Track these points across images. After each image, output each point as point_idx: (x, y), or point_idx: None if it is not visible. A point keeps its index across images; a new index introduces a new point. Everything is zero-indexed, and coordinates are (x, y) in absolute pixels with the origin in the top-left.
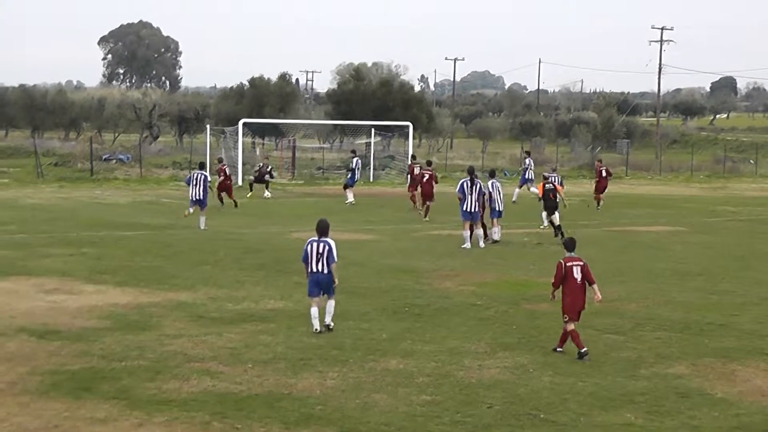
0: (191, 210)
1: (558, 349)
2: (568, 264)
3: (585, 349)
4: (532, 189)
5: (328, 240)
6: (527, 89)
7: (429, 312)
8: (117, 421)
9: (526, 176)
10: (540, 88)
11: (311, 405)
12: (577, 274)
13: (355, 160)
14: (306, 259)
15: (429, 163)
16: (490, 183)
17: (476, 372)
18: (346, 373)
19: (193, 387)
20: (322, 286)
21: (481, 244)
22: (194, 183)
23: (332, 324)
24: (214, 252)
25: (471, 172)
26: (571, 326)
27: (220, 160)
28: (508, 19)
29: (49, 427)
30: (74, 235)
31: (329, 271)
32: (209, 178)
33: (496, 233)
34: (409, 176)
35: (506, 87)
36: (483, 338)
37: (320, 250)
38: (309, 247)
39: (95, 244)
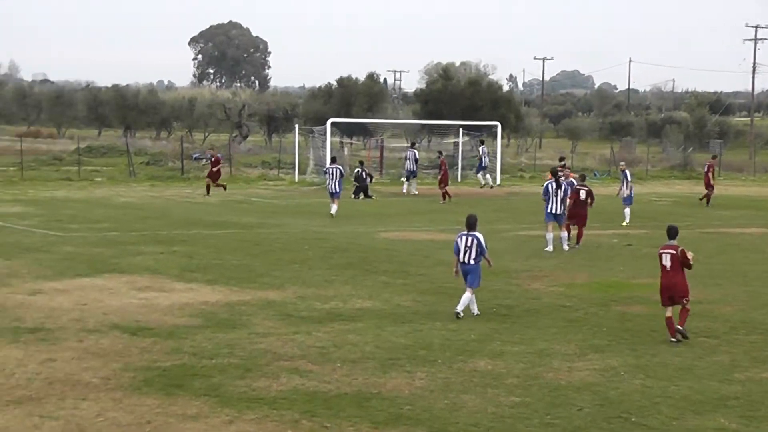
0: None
1: (671, 339)
2: (660, 251)
3: (675, 339)
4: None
5: (476, 234)
6: (617, 89)
7: (518, 313)
8: (208, 418)
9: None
10: (630, 87)
11: (400, 405)
12: (666, 261)
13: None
14: (457, 251)
15: (583, 178)
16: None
17: (566, 374)
18: (434, 374)
19: (282, 385)
20: (468, 276)
21: (565, 246)
22: (329, 175)
23: (461, 314)
24: (303, 251)
25: (555, 173)
26: (667, 312)
27: (212, 147)
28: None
29: (142, 423)
30: (165, 234)
31: (476, 263)
32: (343, 172)
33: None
34: (440, 171)
35: (596, 86)
36: (572, 340)
37: (468, 243)
38: (459, 240)
39: (186, 242)
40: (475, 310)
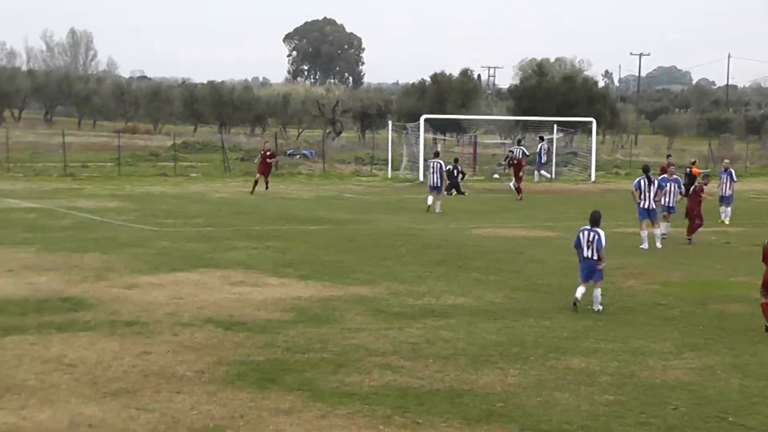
0: (430, 198)
1: None
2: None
3: None
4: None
5: (598, 230)
6: (715, 85)
7: (612, 310)
8: (301, 413)
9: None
10: (729, 83)
11: (492, 401)
12: None
13: (437, 163)
14: (578, 246)
15: (706, 177)
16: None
17: (661, 372)
18: (527, 371)
19: (374, 381)
20: (590, 271)
21: (658, 244)
22: (431, 170)
23: (600, 308)
24: (395, 247)
25: (646, 170)
26: (765, 299)
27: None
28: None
29: (235, 417)
30: (258, 229)
31: (598, 258)
32: (444, 167)
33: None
34: (508, 163)
35: (694, 82)
36: (668, 338)
37: (590, 239)
38: (581, 234)
39: (279, 237)
40: (598, 305)
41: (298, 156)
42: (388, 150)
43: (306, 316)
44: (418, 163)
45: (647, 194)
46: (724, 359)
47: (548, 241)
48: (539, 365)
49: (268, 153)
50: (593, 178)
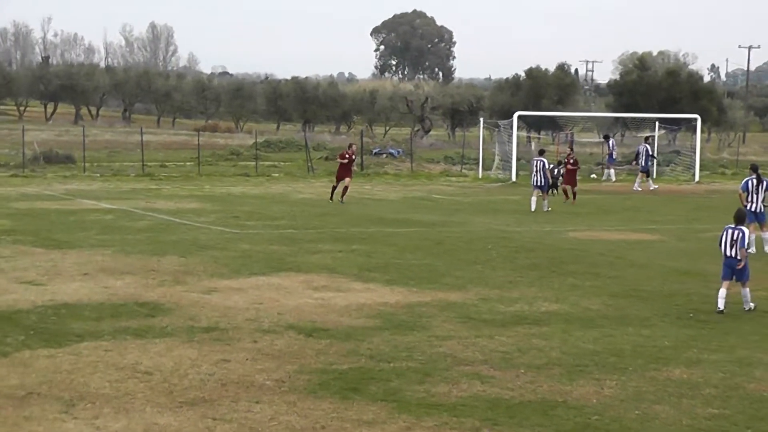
0: (534, 199)
1: None
2: None
3: None
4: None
5: (743, 228)
6: None
7: (716, 318)
8: (385, 424)
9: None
10: None
11: (587, 414)
12: None
13: (540, 161)
14: (721, 244)
15: None
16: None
17: None
18: (625, 382)
19: (462, 391)
20: (735, 271)
21: (766, 248)
22: (534, 169)
23: (751, 306)
24: (486, 250)
25: (755, 169)
26: None
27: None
28: None
29: (316, 428)
30: (343, 231)
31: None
32: (547, 165)
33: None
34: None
35: None
36: None
37: (734, 237)
38: (724, 233)
39: (364, 240)
40: (749, 304)
41: (384, 155)
42: (479, 149)
43: (391, 323)
44: (511, 163)
45: (755, 196)
46: None
47: (649, 245)
48: (638, 376)
49: (353, 156)
50: (697, 178)
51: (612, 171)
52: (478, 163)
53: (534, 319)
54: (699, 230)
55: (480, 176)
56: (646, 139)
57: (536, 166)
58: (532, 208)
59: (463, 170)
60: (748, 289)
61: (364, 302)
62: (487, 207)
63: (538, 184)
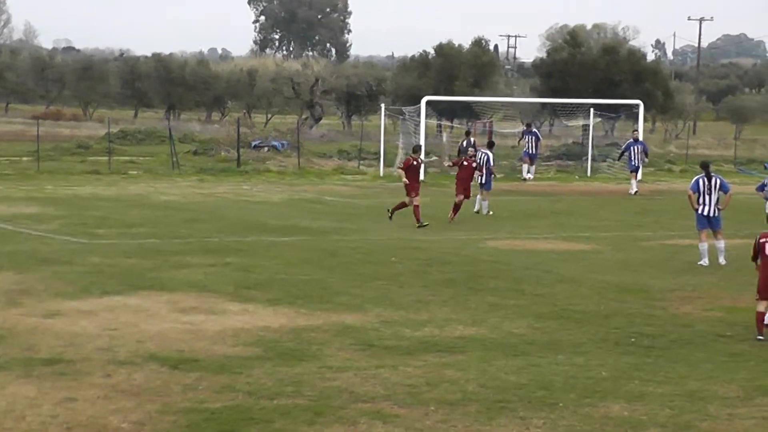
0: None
1: (758, 337)
2: (761, 240)
3: (763, 337)
4: None
5: None
6: None
7: (663, 344)
8: None
9: None
10: None
11: None
12: None
13: (484, 154)
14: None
15: None
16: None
17: (725, 423)
18: (554, 421)
19: None
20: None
21: (721, 260)
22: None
23: None
24: (390, 263)
25: (706, 166)
26: (760, 307)
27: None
28: None
29: None
30: (216, 241)
31: None
32: (491, 158)
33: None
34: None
35: None
36: (734, 379)
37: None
38: (757, 241)
39: (242, 252)
40: None
41: (266, 148)
42: (380, 141)
43: (275, 352)
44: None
45: (708, 197)
46: None
47: (583, 256)
48: (570, 413)
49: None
50: (640, 176)
51: (526, 167)
52: (378, 158)
53: (447, 346)
54: (641, 238)
55: (381, 174)
56: (634, 131)
57: (481, 160)
58: (475, 208)
59: (361, 167)
60: None
61: (241, 327)
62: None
63: (481, 181)
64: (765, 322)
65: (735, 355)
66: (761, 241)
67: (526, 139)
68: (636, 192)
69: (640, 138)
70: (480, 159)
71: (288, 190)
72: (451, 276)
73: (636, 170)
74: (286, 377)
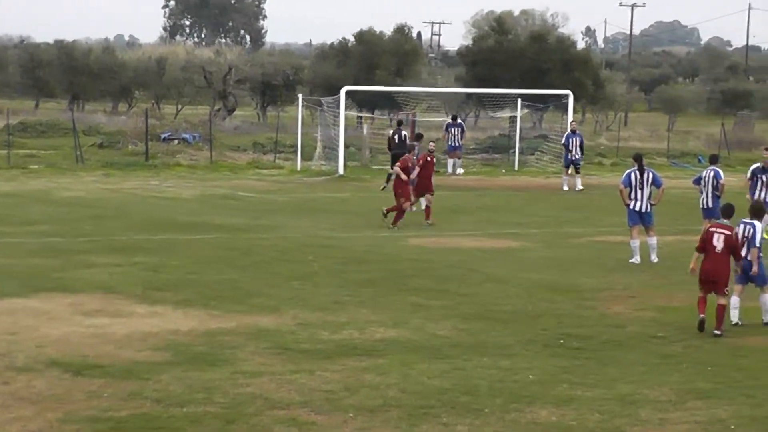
0: None
1: (716, 332)
2: (711, 230)
3: (703, 315)
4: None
5: (755, 223)
6: (731, 45)
7: (593, 346)
8: None
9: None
10: (750, 44)
11: None
12: (717, 242)
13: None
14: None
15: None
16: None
17: (657, 428)
18: (479, 427)
19: None
20: (748, 274)
21: (653, 257)
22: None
23: (740, 323)
24: (307, 262)
25: (638, 159)
26: (701, 293)
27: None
28: None
29: None
30: (124, 239)
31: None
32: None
33: None
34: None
35: (703, 43)
36: (667, 382)
37: (746, 234)
38: (737, 229)
39: (151, 251)
40: (735, 318)
41: (176, 141)
42: (297, 133)
43: (185, 357)
44: (337, 151)
45: (640, 192)
46: (740, 410)
47: (510, 254)
48: (496, 419)
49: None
50: (572, 171)
51: (452, 162)
52: (296, 151)
53: (366, 349)
54: (571, 235)
55: (299, 168)
56: (572, 123)
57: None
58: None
59: (278, 160)
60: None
61: (149, 330)
62: (308, 207)
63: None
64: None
65: (667, 357)
66: (710, 230)
67: (452, 132)
68: (580, 189)
69: (577, 130)
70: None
71: (200, 186)
72: (372, 275)
73: (571, 165)
74: (197, 383)
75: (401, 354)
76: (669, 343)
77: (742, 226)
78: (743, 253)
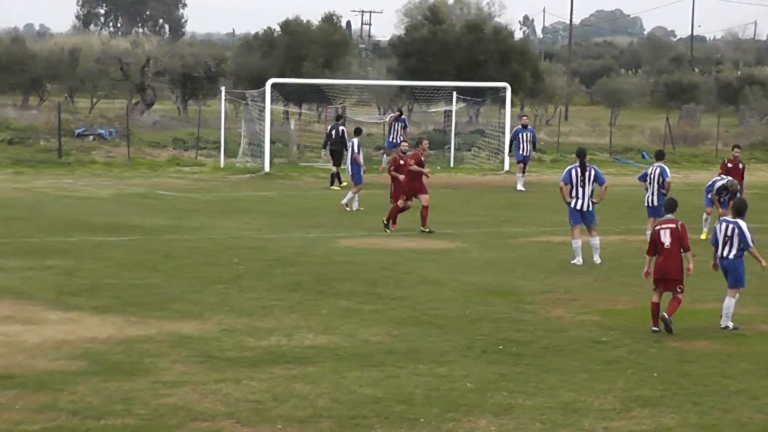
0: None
1: (654, 329)
2: (657, 227)
3: (658, 329)
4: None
5: (739, 221)
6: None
7: (533, 351)
8: None
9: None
10: (695, 34)
11: None
12: (665, 238)
13: (350, 143)
14: (714, 242)
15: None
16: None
17: None
18: None
19: None
20: (727, 275)
21: (596, 258)
22: (351, 153)
23: (729, 325)
24: (232, 265)
25: (581, 155)
26: (654, 297)
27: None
28: None
29: None
30: (36, 241)
31: (737, 258)
32: (357, 147)
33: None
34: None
35: (646, 33)
36: (611, 389)
37: (728, 233)
38: (718, 227)
39: (65, 253)
40: (728, 321)
41: (92, 137)
42: (220, 128)
43: (103, 366)
44: (263, 147)
45: (581, 190)
46: (687, 418)
47: (446, 255)
48: (432, 429)
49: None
50: (507, 166)
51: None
52: (219, 148)
53: (295, 357)
54: (510, 235)
55: (222, 165)
56: (523, 117)
57: (352, 149)
58: (354, 207)
59: (200, 157)
60: (734, 300)
61: (64, 338)
62: (232, 207)
63: (349, 173)
64: (664, 315)
65: (611, 363)
66: (657, 228)
67: (395, 127)
68: (521, 189)
69: (528, 125)
70: (351, 147)
71: (117, 184)
72: (300, 278)
73: (523, 161)
74: (116, 394)
75: (332, 362)
76: (613, 348)
77: (723, 224)
78: (725, 253)
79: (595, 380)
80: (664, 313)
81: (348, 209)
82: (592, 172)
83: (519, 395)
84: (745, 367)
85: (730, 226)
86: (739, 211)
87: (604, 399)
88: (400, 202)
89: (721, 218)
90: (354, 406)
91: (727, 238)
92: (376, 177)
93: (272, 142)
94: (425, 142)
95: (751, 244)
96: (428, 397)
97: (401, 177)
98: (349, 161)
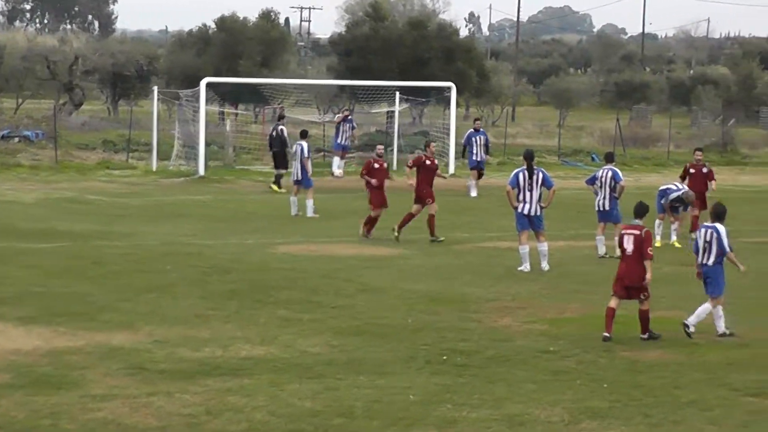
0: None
1: (643, 336)
2: (622, 232)
3: (609, 335)
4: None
5: (717, 227)
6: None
7: (478, 362)
8: None
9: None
10: (646, 31)
11: None
12: (628, 244)
13: (298, 146)
14: (696, 249)
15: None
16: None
17: None
18: None
19: None
20: (706, 281)
21: (544, 265)
22: (296, 157)
23: (725, 331)
24: (164, 272)
25: (529, 157)
26: (612, 302)
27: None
28: None
29: None
30: None
31: (716, 264)
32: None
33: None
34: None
35: (596, 30)
36: (559, 401)
37: (708, 238)
38: (698, 234)
39: None
40: (721, 328)
41: (17, 139)
42: (153, 130)
43: (28, 379)
44: (197, 150)
45: (529, 194)
46: (636, 430)
47: (388, 262)
48: None
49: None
50: (452, 169)
51: (337, 160)
52: (151, 150)
53: (231, 369)
54: (454, 241)
55: (154, 168)
56: (476, 121)
57: (296, 153)
58: (293, 212)
59: (131, 160)
60: (719, 310)
61: None
62: (165, 212)
63: (298, 178)
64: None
65: (559, 374)
66: (621, 232)
67: (343, 128)
68: (474, 196)
69: (481, 128)
70: (295, 151)
71: (43, 188)
72: (236, 286)
73: (477, 167)
74: (42, 408)
75: (269, 373)
76: (561, 358)
77: (703, 230)
78: (704, 259)
79: (543, 391)
80: (643, 336)
81: (310, 216)
82: (540, 176)
83: (463, 407)
84: (697, 377)
85: (709, 231)
86: (718, 216)
87: (552, 411)
88: (414, 209)
89: (702, 224)
90: (292, 419)
91: (706, 244)
92: (318, 181)
93: (207, 144)
94: (433, 145)
95: (728, 249)
96: (369, 410)
97: (373, 181)
98: (298, 166)
